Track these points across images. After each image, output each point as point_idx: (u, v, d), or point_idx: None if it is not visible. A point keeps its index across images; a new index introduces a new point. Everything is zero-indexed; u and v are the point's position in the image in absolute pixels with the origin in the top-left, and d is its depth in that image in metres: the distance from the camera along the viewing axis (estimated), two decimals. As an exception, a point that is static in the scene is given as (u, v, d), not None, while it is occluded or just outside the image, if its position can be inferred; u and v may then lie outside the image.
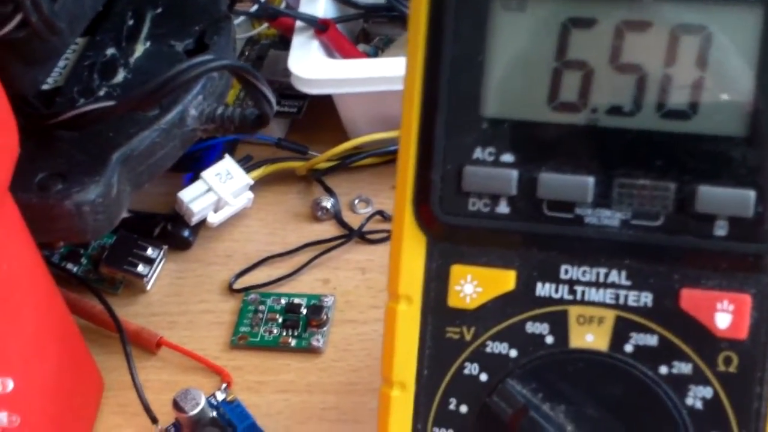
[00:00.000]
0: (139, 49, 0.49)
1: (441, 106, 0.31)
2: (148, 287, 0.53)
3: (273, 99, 0.42)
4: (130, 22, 0.51)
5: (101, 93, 0.46)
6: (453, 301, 0.32)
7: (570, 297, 0.31)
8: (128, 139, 0.43)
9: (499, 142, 0.31)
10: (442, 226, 0.31)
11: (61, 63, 0.49)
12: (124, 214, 0.44)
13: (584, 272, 0.31)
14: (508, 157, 0.31)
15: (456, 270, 0.32)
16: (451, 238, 0.31)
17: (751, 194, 0.29)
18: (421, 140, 0.31)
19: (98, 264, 0.53)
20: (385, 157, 0.56)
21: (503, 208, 0.31)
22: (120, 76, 0.47)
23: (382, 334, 0.33)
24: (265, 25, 0.63)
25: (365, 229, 0.54)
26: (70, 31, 0.42)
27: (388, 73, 0.52)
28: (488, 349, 0.32)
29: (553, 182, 0.30)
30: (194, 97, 0.45)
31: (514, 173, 0.30)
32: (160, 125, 0.44)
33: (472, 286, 0.32)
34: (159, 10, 0.51)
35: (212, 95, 0.47)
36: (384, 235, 0.54)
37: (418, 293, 0.32)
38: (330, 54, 0.56)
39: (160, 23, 0.51)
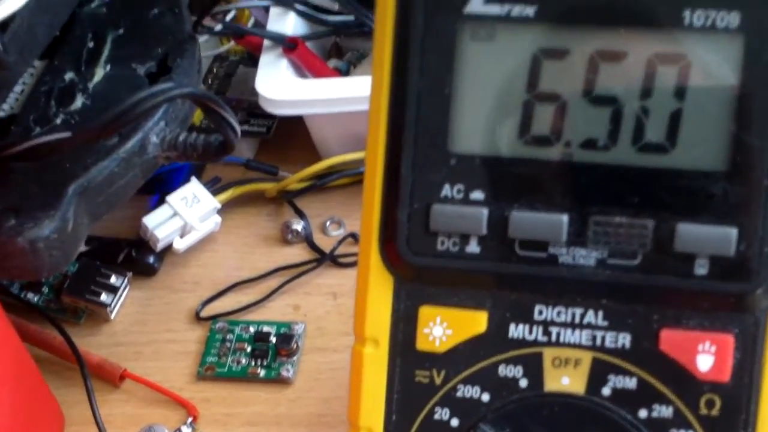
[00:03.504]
0: (99, 73, 0.47)
1: (407, 141, 0.29)
2: (112, 316, 0.51)
3: (237, 126, 0.40)
4: (90, 45, 0.49)
5: (58, 121, 0.44)
6: (422, 344, 0.30)
7: (544, 338, 0.30)
8: (86, 170, 0.42)
9: (469, 179, 0.29)
10: (409, 267, 0.30)
11: (18, 88, 0.47)
12: (82, 247, 0.42)
13: (559, 313, 0.30)
14: (477, 195, 0.29)
15: (424, 311, 0.30)
16: (420, 278, 0.30)
17: (733, 232, 0.27)
18: (387, 177, 0.30)
19: (60, 293, 0.51)
20: (358, 177, 0.55)
21: (473, 247, 0.29)
22: (78, 102, 0.45)
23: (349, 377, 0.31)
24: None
25: (337, 252, 0.52)
26: (23, 60, 0.41)
27: (359, 92, 0.51)
28: (459, 394, 0.30)
29: (525, 221, 0.29)
30: (155, 123, 0.44)
31: (485, 212, 0.29)
32: (120, 154, 0.42)
33: (442, 328, 0.30)
34: (120, 32, 0.49)
35: (175, 121, 0.45)
36: (357, 258, 0.52)
37: (385, 336, 0.31)
38: (300, 72, 0.55)
39: (121, 45, 0.49)
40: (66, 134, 0.39)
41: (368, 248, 0.31)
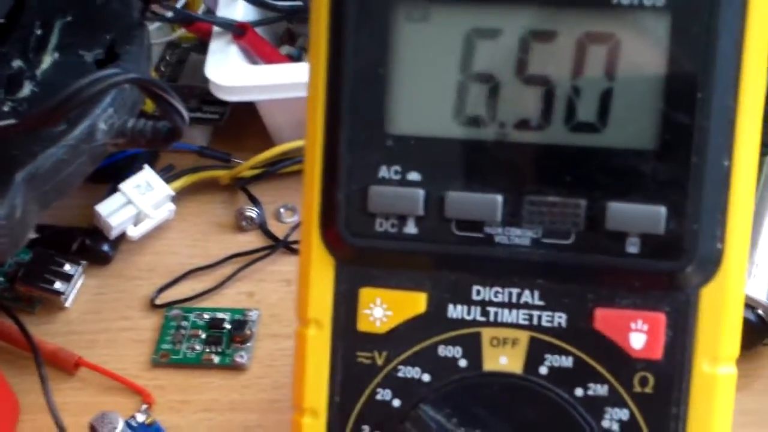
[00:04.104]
0: (47, 60, 0.47)
1: (344, 123, 0.29)
2: (67, 304, 0.51)
3: (185, 112, 0.40)
4: (38, 32, 0.48)
5: (6, 108, 0.44)
6: (363, 326, 0.30)
7: (482, 318, 0.30)
8: (33, 157, 0.41)
9: (405, 160, 0.29)
10: (349, 249, 0.30)
11: (-36, 76, 0.47)
12: (32, 234, 0.42)
13: (496, 293, 0.30)
14: (414, 176, 0.29)
15: (365, 293, 0.30)
16: (360, 260, 0.30)
17: (662, 210, 0.28)
18: (326, 159, 0.30)
19: (14, 282, 0.51)
20: (312, 163, 0.55)
21: (411, 228, 0.30)
22: (26, 89, 0.45)
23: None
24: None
25: (291, 238, 0.53)
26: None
27: (309, 78, 0.51)
28: (400, 374, 0.30)
29: (461, 201, 0.29)
30: (103, 110, 0.44)
31: (421, 192, 0.29)
32: (67, 141, 0.42)
33: (382, 309, 0.30)
34: (68, 19, 0.49)
35: (123, 107, 0.45)
36: (310, 244, 0.52)
37: (327, 317, 0.31)
38: (251, 59, 0.55)
39: (69, 33, 0.49)
40: (11, 121, 0.39)
41: (309, 231, 0.31)
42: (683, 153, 0.28)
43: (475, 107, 0.29)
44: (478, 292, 0.30)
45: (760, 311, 0.43)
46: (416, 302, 0.30)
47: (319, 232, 0.30)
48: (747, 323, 0.41)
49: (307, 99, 0.30)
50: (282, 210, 0.55)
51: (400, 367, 0.30)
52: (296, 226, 0.53)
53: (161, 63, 0.60)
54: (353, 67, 0.29)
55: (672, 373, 0.29)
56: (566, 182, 0.28)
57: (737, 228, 0.28)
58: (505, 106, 0.29)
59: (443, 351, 0.30)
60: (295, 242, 0.52)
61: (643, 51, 0.28)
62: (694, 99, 0.27)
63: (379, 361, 0.31)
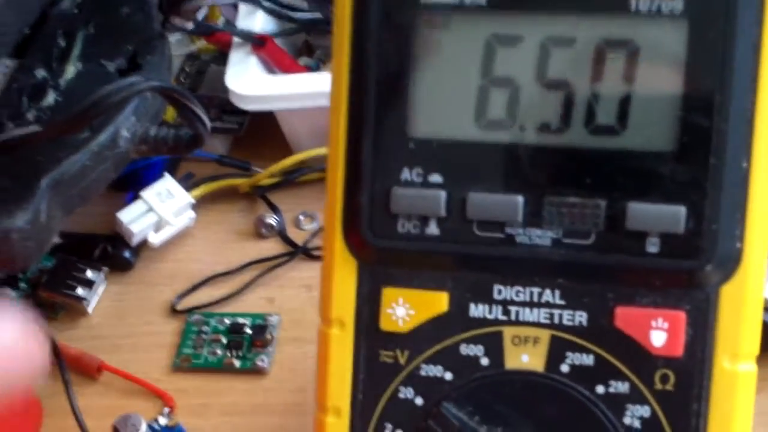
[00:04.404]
0: (70, 70, 0.48)
1: (367, 126, 0.30)
2: (89, 310, 0.52)
3: (206, 119, 0.41)
4: (61, 43, 0.49)
5: (30, 116, 0.45)
6: (385, 325, 0.31)
7: (504, 317, 0.30)
8: (57, 163, 0.42)
9: (427, 163, 0.30)
10: (371, 249, 0.31)
11: (-10, 87, 0.47)
12: (56, 240, 0.43)
13: (518, 292, 0.30)
14: (436, 178, 0.30)
15: (387, 293, 0.31)
16: (382, 261, 0.31)
17: (682, 210, 0.28)
18: (348, 162, 0.31)
19: (37, 288, 0.52)
20: (330, 171, 0.55)
21: (433, 229, 0.30)
22: (50, 98, 0.46)
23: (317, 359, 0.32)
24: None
25: (310, 245, 0.53)
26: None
27: (328, 87, 0.51)
28: (423, 373, 0.31)
29: (483, 202, 0.29)
30: (126, 118, 0.44)
31: (443, 194, 0.30)
32: (91, 148, 0.43)
33: (405, 309, 0.31)
34: (91, 30, 0.50)
35: (146, 116, 0.46)
36: (328, 249, 0.53)
37: (350, 317, 0.31)
38: (270, 69, 0.56)
39: (91, 43, 0.49)
40: (36, 128, 0.40)
41: (332, 233, 0.31)
42: (702, 155, 0.28)
43: (495, 111, 0.29)
44: (500, 292, 0.30)
45: (777, 313, 0.43)
46: (438, 302, 0.31)
47: (342, 234, 0.31)
48: (764, 326, 0.42)
49: (330, 104, 0.31)
50: (301, 217, 0.55)
51: (423, 365, 0.31)
52: (315, 233, 0.54)
53: (181, 74, 0.61)
54: (376, 72, 0.30)
55: (693, 371, 0.29)
56: (586, 183, 0.29)
57: (756, 227, 0.28)
58: (525, 110, 0.29)
59: (465, 350, 0.30)
60: (315, 249, 0.53)
61: (661, 57, 0.28)
62: (712, 102, 0.28)
63: (402, 360, 0.31)
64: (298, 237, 0.54)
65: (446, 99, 0.30)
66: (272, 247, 0.54)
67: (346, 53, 0.30)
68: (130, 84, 0.40)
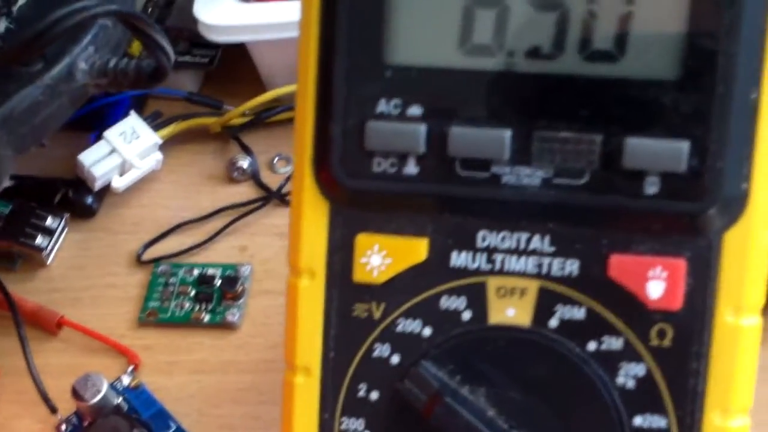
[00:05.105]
0: (25, -5, 0.45)
1: (339, 52, 0.27)
2: (49, 261, 0.49)
3: (169, 48, 0.38)
4: (16, -33, 0.46)
5: (-21, 46, 0.42)
6: (359, 275, 0.28)
7: (488, 267, 0.28)
8: (7, 97, 0.39)
9: (406, 93, 0.27)
10: (344, 191, 0.28)
11: (-63, 14, 0.44)
12: (9, 182, 0.40)
13: (503, 238, 0.28)
14: (415, 110, 0.27)
15: (361, 239, 0.28)
16: (356, 203, 0.28)
17: (684, 146, 0.26)
18: (319, 93, 0.28)
19: (-7, 237, 0.49)
20: (307, 111, 0.53)
21: (411, 168, 0.27)
22: (1, 26, 0.43)
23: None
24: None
25: (285, 190, 0.50)
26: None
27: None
28: (399, 328, 0.28)
29: (466, 137, 0.27)
30: (84, 49, 0.41)
31: (422, 128, 0.27)
32: (44, 81, 0.40)
33: (380, 257, 0.28)
34: (48, -48, 0.46)
35: (106, 46, 0.42)
36: (305, 196, 0.50)
37: (321, 266, 0.29)
38: (244, -2, 0.52)
39: (48, -33, 0.46)
40: (-21, 59, 0.37)
41: (301, 172, 0.28)
42: (707, 83, 0.25)
43: (481, 35, 0.27)
44: (484, 238, 0.28)
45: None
46: (417, 249, 0.28)
47: (312, 173, 0.28)
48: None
49: (300, 27, 0.28)
50: (276, 160, 0.52)
51: (400, 320, 0.28)
52: (290, 177, 0.51)
53: (149, 4, 0.58)
54: (348, -9, 0.27)
55: (692, 325, 0.27)
56: (580, 116, 0.26)
57: (764, 167, 0.26)
58: (514, 34, 0.27)
59: (446, 302, 0.28)
60: (290, 194, 0.50)
61: (666, -30, 0.25)
62: (720, 22, 0.25)
63: (377, 314, 0.29)
64: (272, 181, 0.51)
65: (427, 21, 0.27)
66: (245, 191, 0.51)
67: (317, -29, 0.27)
68: (84, 7, 0.37)
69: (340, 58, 0.27)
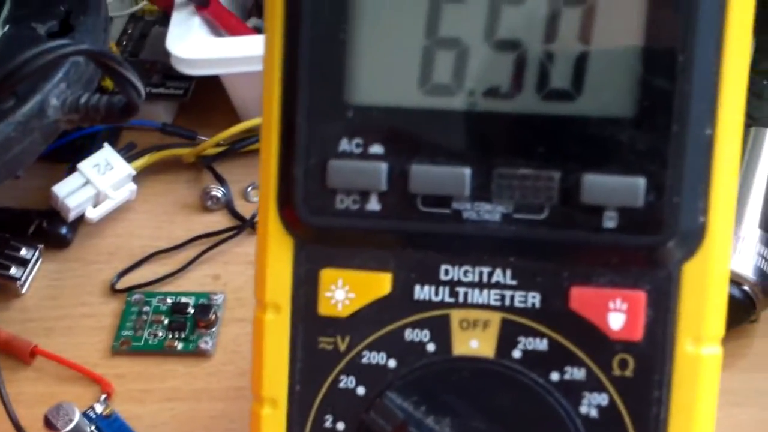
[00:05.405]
0: (-3, 33, 0.45)
1: (301, 93, 0.28)
2: (23, 291, 0.49)
3: (140, 85, 0.38)
4: (-12, 4, 0.46)
5: (-50, 83, 0.42)
6: (324, 309, 0.29)
7: (451, 300, 0.28)
8: (-22, 135, 0.39)
9: (367, 132, 0.27)
10: (308, 227, 0.28)
11: None
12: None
13: (466, 272, 0.28)
14: (377, 149, 0.27)
15: (325, 274, 0.28)
16: (320, 239, 0.28)
17: (641, 182, 0.26)
18: (283, 133, 0.28)
19: (-33, 267, 0.49)
20: (280, 140, 0.53)
21: (374, 205, 0.28)
22: (-27, 64, 0.43)
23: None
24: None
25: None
26: None
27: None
28: (365, 360, 0.29)
29: (426, 175, 0.27)
30: (55, 85, 0.41)
31: (384, 166, 0.27)
32: (17, 117, 0.40)
33: (344, 291, 0.28)
34: (20, -11, 0.47)
35: (78, 82, 0.43)
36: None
37: (286, 301, 0.29)
38: (215, 31, 0.53)
39: (22, 4, 0.46)
40: (-49, 97, 0.37)
41: (266, 208, 0.29)
42: (663, 121, 0.26)
43: (441, 75, 0.27)
44: (447, 272, 0.28)
45: (746, 287, 0.41)
46: (380, 283, 0.28)
47: (277, 210, 0.29)
48: (732, 300, 0.40)
49: (264, 69, 0.28)
50: (249, 189, 0.53)
51: (365, 352, 0.29)
52: (263, 207, 0.51)
53: (123, 37, 0.58)
54: (311, 32, 0.27)
55: (653, 355, 0.27)
56: (539, 154, 0.27)
57: (721, 200, 0.26)
58: (473, 74, 0.27)
59: (410, 335, 0.28)
60: (262, 223, 0.50)
61: (620, 12, 0.26)
62: (674, 62, 0.26)
63: (342, 347, 0.29)
64: (246, 210, 0.52)
65: (388, 62, 0.27)
66: (219, 220, 0.52)
67: (279, 10, 0.28)
68: (56, 47, 0.37)
69: (302, 98, 0.27)
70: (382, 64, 0.27)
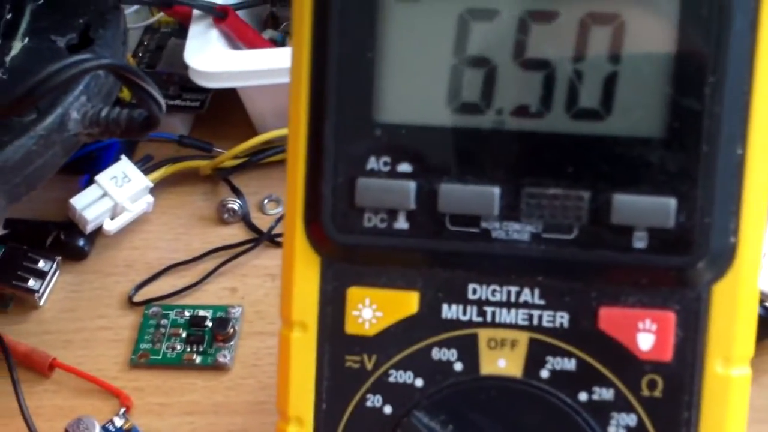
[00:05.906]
0: (17, 46, 0.45)
1: (329, 111, 0.28)
2: (41, 303, 0.49)
3: (161, 99, 0.38)
4: (8, 17, 0.46)
5: (-28, 96, 0.42)
6: (351, 328, 0.29)
7: (479, 319, 0.28)
8: (0, 148, 0.39)
9: (395, 151, 0.27)
10: (335, 245, 0.28)
11: (-67, 64, 0.44)
12: (1, 230, 0.40)
13: (494, 291, 0.28)
14: (405, 167, 0.27)
15: (353, 293, 0.28)
16: (347, 257, 0.28)
17: (672, 202, 0.26)
18: (310, 150, 0.28)
19: (-15, 280, 0.49)
20: (297, 152, 0.53)
21: (402, 223, 0.28)
22: (-5, 77, 0.43)
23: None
24: (164, 12, 0.59)
25: (275, 231, 0.50)
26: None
27: (293, 63, 0.49)
28: (392, 379, 0.29)
29: (456, 194, 0.27)
30: (76, 98, 0.41)
31: (412, 185, 0.27)
32: (38, 131, 0.40)
33: (371, 310, 0.28)
34: (40, 2, 0.47)
35: (98, 95, 0.43)
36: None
37: (313, 319, 0.29)
38: (232, 44, 0.53)
39: (40, 17, 0.46)
40: (-26, 111, 0.37)
41: (293, 227, 0.29)
42: (693, 141, 0.26)
43: (470, 93, 0.27)
44: (475, 291, 0.28)
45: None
46: (408, 302, 0.28)
47: (304, 228, 0.29)
48: (760, 319, 0.40)
49: (290, 86, 0.28)
50: (266, 201, 0.52)
51: (392, 371, 0.29)
52: (281, 218, 0.51)
53: (139, 48, 0.58)
54: (339, 50, 0.27)
55: (683, 376, 0.27)
56: (568, 173, 0.27)
57: (751, 221, 0.26)
58: (502, 92, 0.27)
59: (437, 354, 0.28)
60: (280, 235, 0.50)
61: (650, 31, 0.26)
62: (704, 83, 0.26)
63: (369, 366, 0.29)
64: (262, 223, 0.51)
65: (416, 81, 0.27)
66: (235, 233, 0.51)
67: (307, 28, 0.28)
68: (78, 62, 0.37)
69: (330, 116, 0.28)
70: (411, 82, 0.27)
